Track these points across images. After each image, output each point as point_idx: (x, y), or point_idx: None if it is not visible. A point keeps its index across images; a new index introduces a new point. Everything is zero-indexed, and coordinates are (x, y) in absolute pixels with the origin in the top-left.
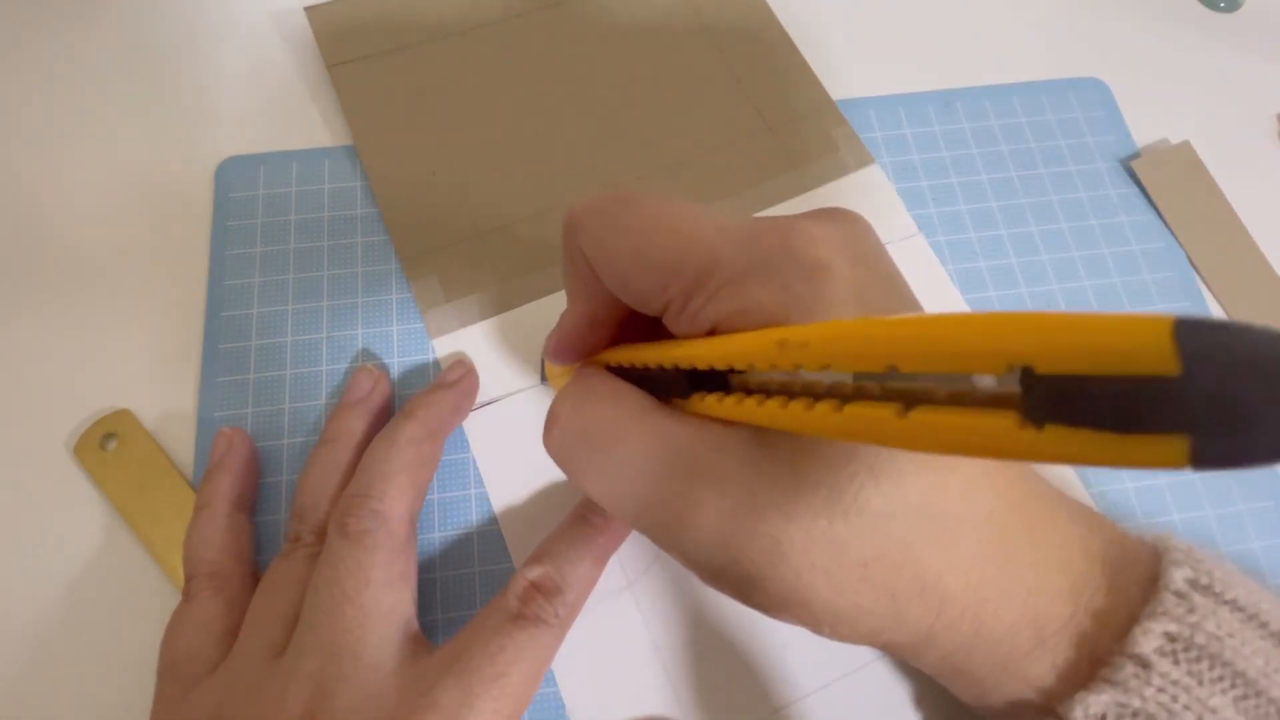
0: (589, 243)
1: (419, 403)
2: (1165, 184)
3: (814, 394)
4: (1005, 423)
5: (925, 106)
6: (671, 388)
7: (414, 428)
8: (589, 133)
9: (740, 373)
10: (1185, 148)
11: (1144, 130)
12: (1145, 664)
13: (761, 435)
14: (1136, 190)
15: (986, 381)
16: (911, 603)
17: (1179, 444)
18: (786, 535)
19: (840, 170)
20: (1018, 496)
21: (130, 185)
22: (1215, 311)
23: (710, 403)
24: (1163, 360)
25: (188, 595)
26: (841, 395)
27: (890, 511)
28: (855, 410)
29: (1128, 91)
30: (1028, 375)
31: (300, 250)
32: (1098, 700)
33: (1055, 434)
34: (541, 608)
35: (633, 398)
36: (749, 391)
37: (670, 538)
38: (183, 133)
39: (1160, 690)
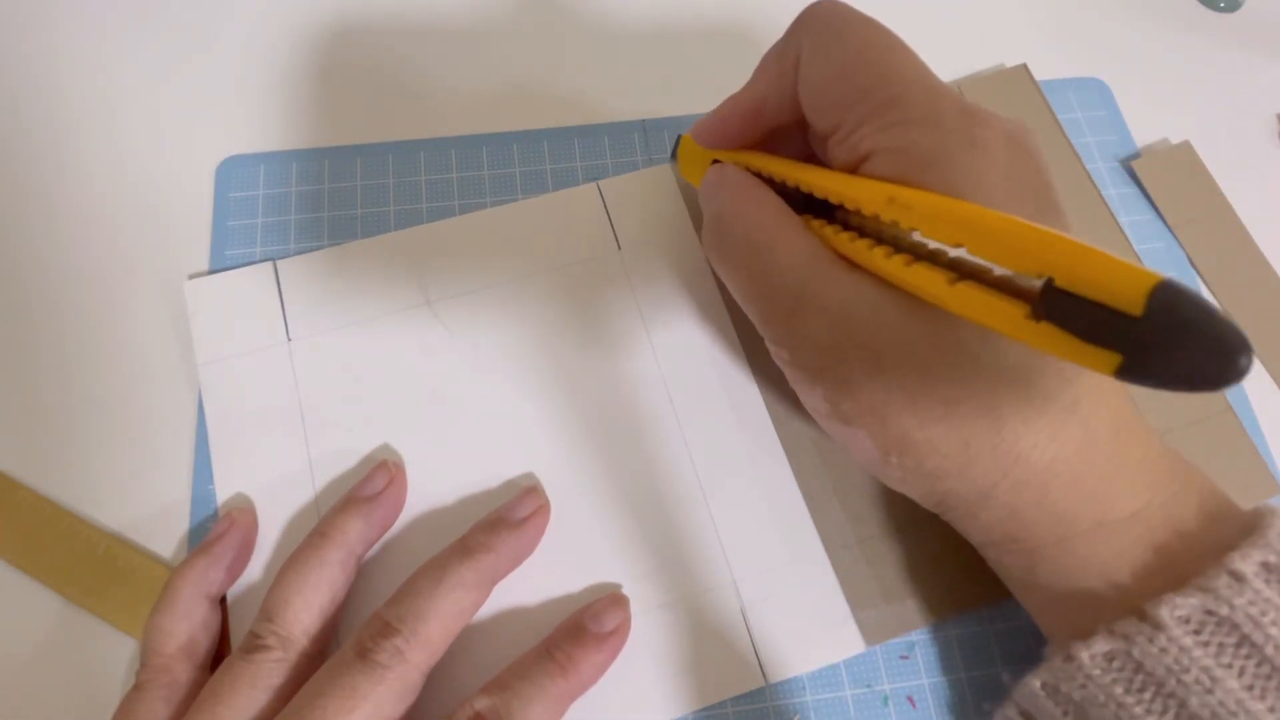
0: (811, 38)
1: (481, 543)
2: (1165, 184)
3: (896, 246)
4: (1017, 311)
5: None
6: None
7: (468, 572)
8: None
9: (847, 211)
10: (1185, 148)
11: (1144, 130)
12: (1240, 577)
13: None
14: (1136, 190)
15: (1028, 280)
16: (982, 455)
17: (1113, 359)
18: (888, 355)
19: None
20: (1120, 419)
21: (130, 185)
22: None
23: (815, 226)
24: (1134, 305)
25: (138, 684)
26: (916, 254)
27: (987, 364)
28: (919, 269)
29: (1128, 91)
30: (1048, 284)
31: (300, 250)
32: (1185, 603)
33: (1045, 329)
34: None
35: (777, 203)
36: (847, 227)
37: (788, 327)
38: (183, 133)
39: (1251, 603)
